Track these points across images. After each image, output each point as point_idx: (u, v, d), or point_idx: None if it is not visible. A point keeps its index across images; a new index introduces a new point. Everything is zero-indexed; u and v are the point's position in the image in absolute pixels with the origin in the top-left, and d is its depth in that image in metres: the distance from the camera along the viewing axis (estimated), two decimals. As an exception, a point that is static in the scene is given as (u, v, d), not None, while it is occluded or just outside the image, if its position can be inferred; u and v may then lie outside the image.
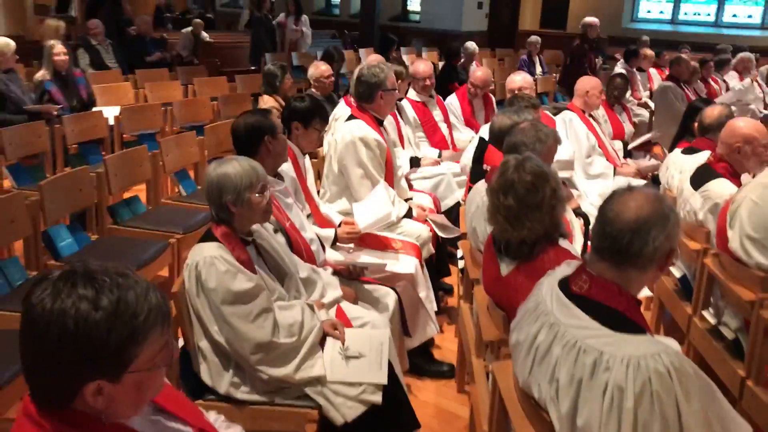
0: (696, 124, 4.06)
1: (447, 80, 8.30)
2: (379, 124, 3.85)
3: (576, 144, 5.03)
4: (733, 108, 7.43)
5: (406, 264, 3.39)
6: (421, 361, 3.46)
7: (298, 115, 3.32)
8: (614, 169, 5.10)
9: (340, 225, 3.45)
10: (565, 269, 1.82)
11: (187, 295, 2.29)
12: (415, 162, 4.84)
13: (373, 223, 3.42)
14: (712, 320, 2.96)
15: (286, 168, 3.23)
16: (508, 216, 2.25)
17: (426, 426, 3.05)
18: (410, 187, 4.50)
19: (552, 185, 2.25)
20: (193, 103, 6.36)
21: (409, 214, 3.88)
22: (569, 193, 2.92)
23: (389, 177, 3.86)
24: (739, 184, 3.14)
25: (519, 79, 4.65)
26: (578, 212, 3.62)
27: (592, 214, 3.65)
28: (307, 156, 3.55)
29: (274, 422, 2.31)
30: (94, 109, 5.65)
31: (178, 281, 2.33)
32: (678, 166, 3.83)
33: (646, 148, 6.12)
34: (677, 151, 4.02)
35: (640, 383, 1.49)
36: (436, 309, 3.66)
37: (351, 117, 3.85)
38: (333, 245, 3.31)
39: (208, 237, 2.34)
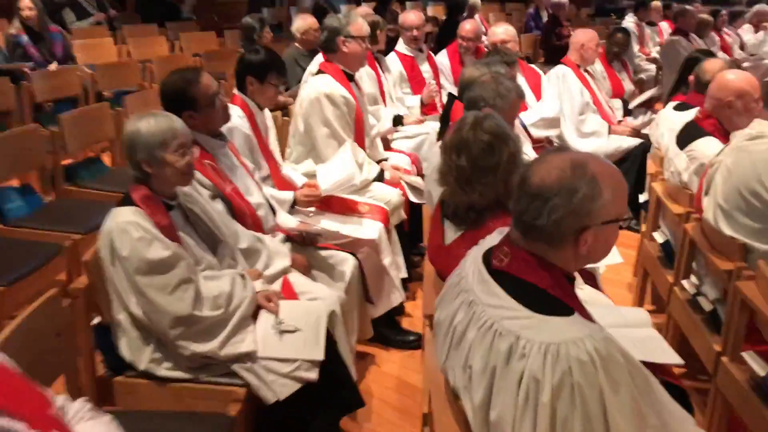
0: (692, 78, 3.77)
1: (449, 36, 7.96)
2: (349, 78, 3.61)
3: (569, 101, 4.75)
4: (747, 64, 7.10)
5: (369, 229, 3.18)
6: (387, 330, 3.27)
7: (252, 69, 3.08)
8: (609, 127, 4.82)
9: (302, 188, 3.25)
10: (494, 238, 1.60)
11: (102, 264, 2.11)
12: (398, 120, 4.60)
13: (335, 186, 3.21)
14: (691, 290, 2.73)
15: (239, 125, 3.02)
16: (459, 177, 2.05)
17: (384, 399, 2.89)
18: (388, 147, 4.28)
19: (511, 149, 2.03)
20: (174, 59, 6.12)
21: (380, 177, 3.66)
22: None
23: (359, 137, 3.64)
24: (727, 143, 2.88)
25: (501, 31, 4.35)
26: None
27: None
28: (266, 111, 3.31)
29: (198, 401, 2.14)
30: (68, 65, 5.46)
31: (92, 249, 2.14)
32: (669, 123, 3.56)
33: (647, 104, 5.81)
34: (669, 106, 3.74)
35: (559, 374, 1.28)
36: (405, 275, 3.47)
37: (319, 72, 3.62)
38: (291, 209, 3.11)
39: (125, 201, 2.14)
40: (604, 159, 1.44)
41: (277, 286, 2.49)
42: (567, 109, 4.71)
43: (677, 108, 3.60)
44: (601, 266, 2.58)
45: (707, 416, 2.46)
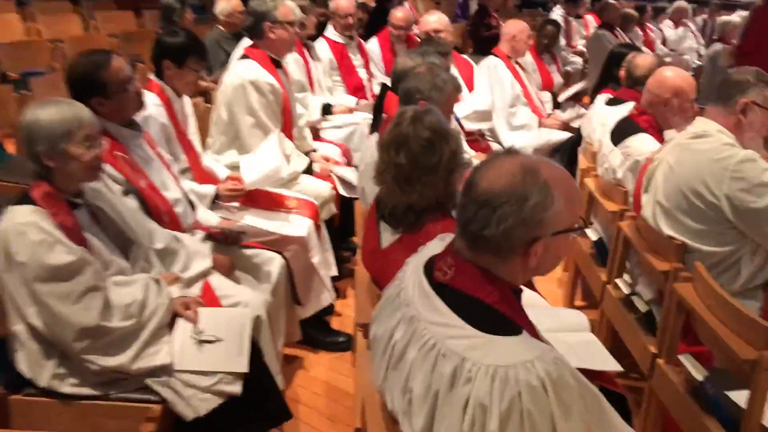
0: (623, 73, 3.75)
1: (378, 23, 7.80)
2: (276, 65, 3.42)
3: (500, 93, 4.69)
4: (668, 59, 7.26)
5: (297, 226, 3.02)
6: (316, 332, 3.13)
7: (170, 52, 2.85)
8: (539, 120, 4.79)
9: (225, 181, 3.05)
10: (435, 246, 1.47)
11: (-4, 271, 1.88)
12: (327, 109, 4.43)
13: (260, 179, 3.02)
14: (626, 289, 2.69)
15: (155, 113, 2.79)
16: (397, 176, 1.93)
17: (312, 405, 2.76)
18: (317, 137, 4.11)
19: (452, 146, 1.92)
20: (88, 39, 5.74)
21: (309, 169, 3.50)
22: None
23: (287, 127, 3.46)
24: (661, 140, 2.86)
25: (434, 20, 4.24)
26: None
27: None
28: (186, 98, 3.09)
29: (108, 420, 1.95)
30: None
31: (-17, 254, 1.90)
32: (601, 119, 3.53)
33: (576, 98, 5.83)
34: (601, 101, 3.72)
35: (508, 400, 1.17)
36: (336, 274, 3.32)
37: (244, 57, 3.41)
38: (213, 204, 2.91)
39: (23, 199, 1.91)
40: (556, 163, 1.34)
41: (196, 290, 2.30)
42: (498, 102, 4.64)
43: (609, 103, 3.58)
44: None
45: (641, 418, 2.43)
